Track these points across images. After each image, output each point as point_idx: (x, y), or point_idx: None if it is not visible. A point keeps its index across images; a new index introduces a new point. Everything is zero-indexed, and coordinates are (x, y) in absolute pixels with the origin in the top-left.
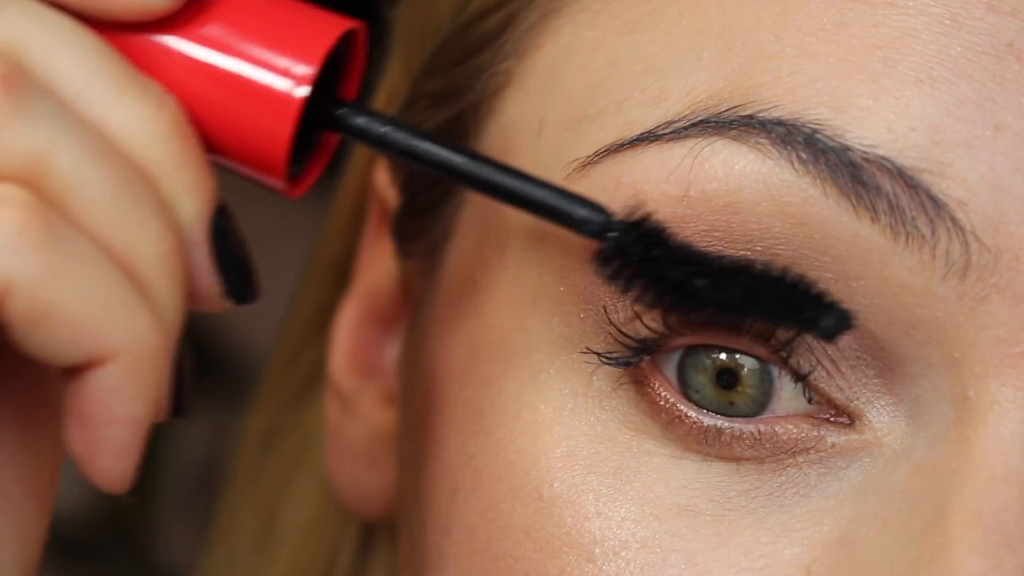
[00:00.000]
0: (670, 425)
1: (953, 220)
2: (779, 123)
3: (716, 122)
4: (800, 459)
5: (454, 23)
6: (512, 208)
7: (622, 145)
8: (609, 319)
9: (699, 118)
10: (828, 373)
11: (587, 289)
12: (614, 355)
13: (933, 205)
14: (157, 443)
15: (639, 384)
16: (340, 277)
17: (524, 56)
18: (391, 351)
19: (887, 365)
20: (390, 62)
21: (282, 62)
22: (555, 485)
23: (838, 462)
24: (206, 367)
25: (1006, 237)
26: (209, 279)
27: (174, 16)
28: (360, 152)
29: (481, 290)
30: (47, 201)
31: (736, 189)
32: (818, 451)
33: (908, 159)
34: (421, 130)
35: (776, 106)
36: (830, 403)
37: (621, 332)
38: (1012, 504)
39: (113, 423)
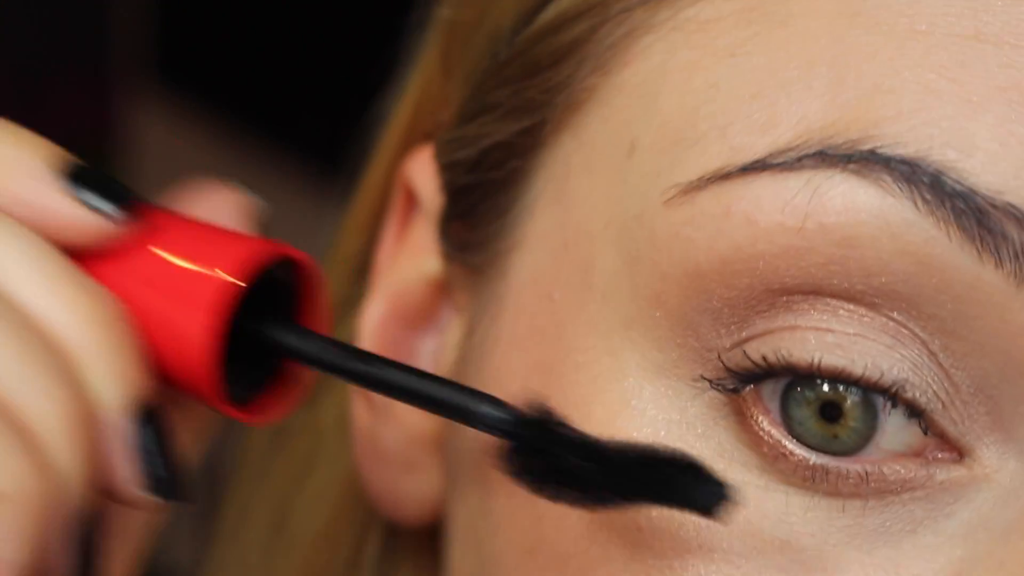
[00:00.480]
0: (774, 460)
1: None
2: (903, 161)
3: (835, 155)
4: (905, 496)
5: (523, 31)
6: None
7: (731, 172)
8: (707, 346)
9: (815, 149)
10: (944, 405)
11: (686, 316)
12: (719, 380)
13: None
14: None
15: (740, 416)
16: (359, 272)
17: (609, 73)
18: (424, 351)
19: (999, 404)
20: (423, 58)
21: (203, 287)
22: (653, 516)
23: (946, 498)
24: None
25: None
26: (126, 468)
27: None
28: (385, 148)
29: (561, 310)
30: None
31: (856, 224)
32: (925, 488)
33: None
34: (355, 349)
35: (898, 143)
36: (942, 436)
37: (722, 359)
38: None
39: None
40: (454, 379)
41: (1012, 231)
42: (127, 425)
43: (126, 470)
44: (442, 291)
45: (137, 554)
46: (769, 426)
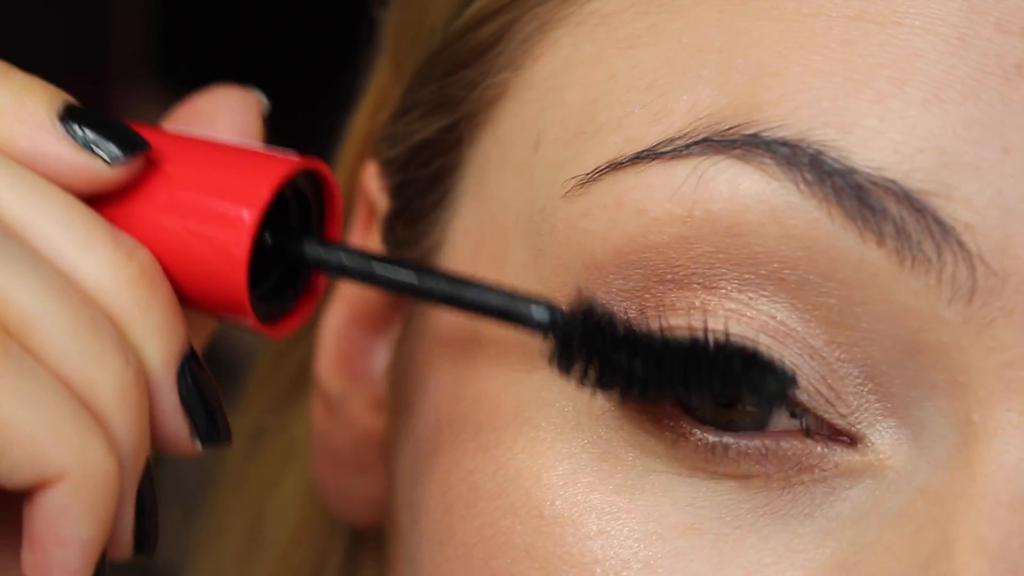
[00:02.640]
0: (676, 443)
1: (960, 244)
2: (784, 143)
3: (720, 141)
4: (806, 478)
5: (448, 30)
6: (470, 316)
7: (623, 163)
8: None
9: (702, 136)
10: (828, 401)
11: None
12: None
13: (939, 228)
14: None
15: (641, 403)
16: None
17: (521, 68)
18: (380, 356)
19: (889, 390)
20: (379, 64)
21: (229, 210)
22: (557, 503)
23: (842, 482)
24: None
25: (1013, 261)
26: (176, 422)
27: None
28: (347, 154)
29: None
30: (4, 329)
31: (741, 210)
32: (823, 470)
33: (915, 181)
34: (378, 255)
35: (781, 125)
36: (831, 427)
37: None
38: (1017, 532)
39: (61, 545)
40: (392, 381)
41: (892, 207)
42: (172, 380)
43: (175, 423)
44: (395, 298)
45: None
46: (669, 409)
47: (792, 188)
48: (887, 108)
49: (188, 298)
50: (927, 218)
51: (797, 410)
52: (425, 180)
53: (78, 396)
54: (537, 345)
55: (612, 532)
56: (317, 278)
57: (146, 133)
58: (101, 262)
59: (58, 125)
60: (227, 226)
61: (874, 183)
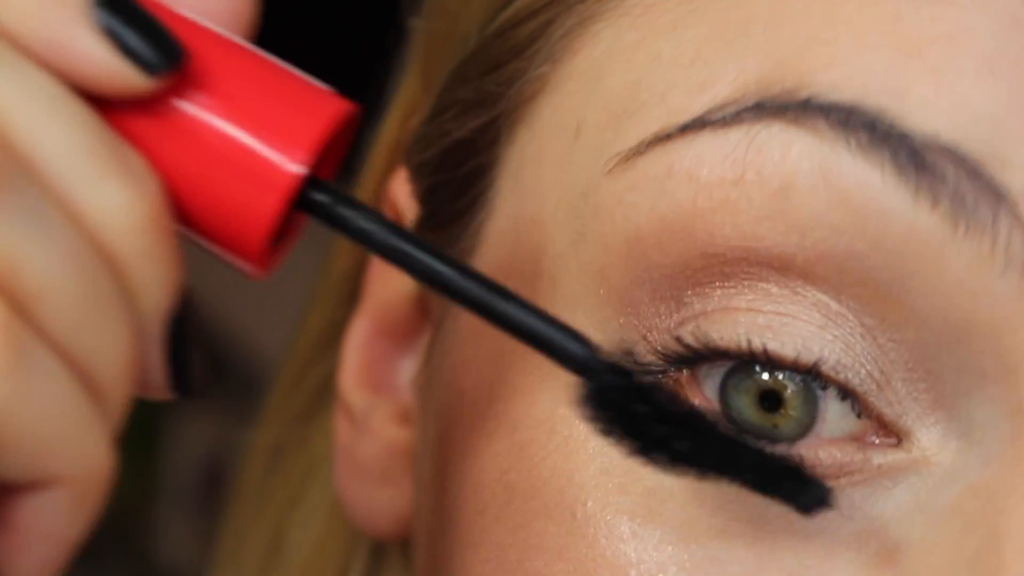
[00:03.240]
0: None
1: (1013, 212)
2: (839, 107)
3: (772, 105)
4: (843, 481)
5: (484, 32)
6: (497, 328)
7: (671, 133)
8: (647, 325)
9: (752, 101)
10: (879, 386)
11: (627, 291)
12: (650, 365)
13: (995, 195)
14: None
15: None
16: (351, 293)
17: (560, 62)
18: (405, 368)
19: (939, 377)
20: (407, 74)
21: (276, 143)
22: (588, 504)
23: (884, 482)
24: (209, 369)
25: None
26: (156, 372)
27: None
28: (374, 164)
29: None
30: (16, 308)
31: (792, 172)
32: (863, 472)
33: (970, 148)
34: (406, 231)
35: (834, 91)
36: (879, 420)
37: (658, 343)
38: None
39: (47, 541)
40: (420, 388)
41: (948, 170)
42: (161, 331)
43: (156, 374)
44: (422, 307)
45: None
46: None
47: (845, 151)
48: (940, 78)
49: (188, 226)
50: (983, 184)
51: (846, 392)
52: (458, 181)
53: (81, 379)
54: (588, 333)
55: (645, 535)
56: (299, 217)
57: (179, 29)
58: (113, 201)
59: (92, 15)
60: (265, 175)
61: (930, 147)
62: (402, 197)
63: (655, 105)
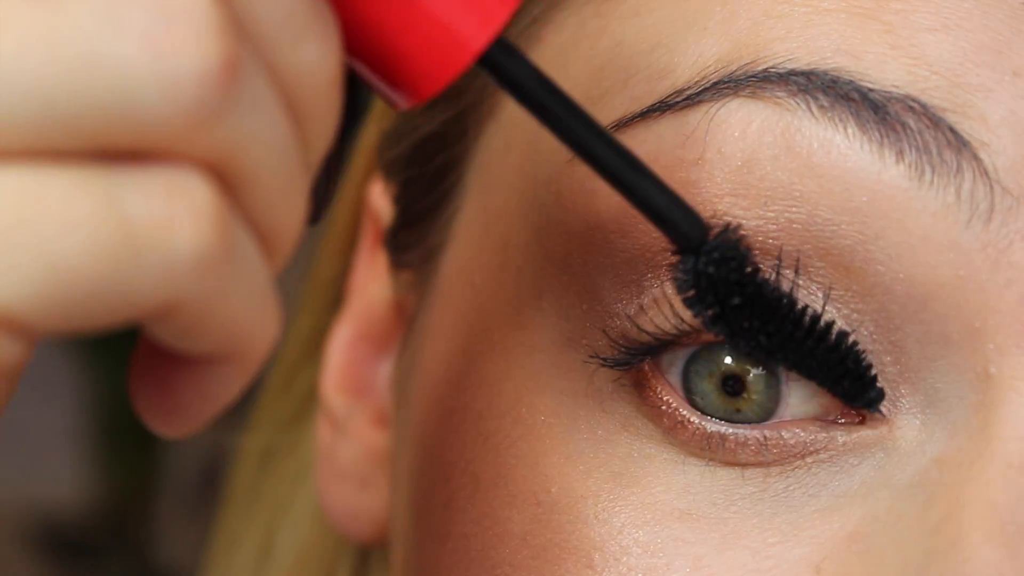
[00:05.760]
0: (672, 430)
1: (976, 159)
2: (795, 73)
3: (729, 82)
4: (809, 460)
5: None
6: (624, 197)
7: (632, 119)
8: (609, 312)
9: (711, 81)
10: None
11: (589, 278)
12: (611, 356)
13: (957, 142)
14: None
15: (640, 387)
16: (336, 299)
17: (526, 50)
18: (383, 371)
19: (903, 349)
20: None
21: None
22: (552, 490)
23: (849, 459)
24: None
25: None
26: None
27: None
28: (354, 172)
29: (481, 294)
30: (229, 196)
31: (754, 147)
32: (828, 451)
33: (931, 99)
34: (564, 96)
35: (791, 59)
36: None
37: (620, 330)
38: None
39: (207, 401)
40: (395, 388)
41: (910, 120)
42: (314, 172)
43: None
44: (400, 309)
45: None
46: (668, 396)
47: (806, 116)
48: (896, 35)
49: (364, 56)
50: (945, 131)
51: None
52: (429, 176)
53: (265, 246)
54: (536, 322)
55: (609, 519)
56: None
57: None
58: (309, 61)
59: None
60: (460, 37)
61: (891, 100)
62: (378, 203)
63: (617, 92)
